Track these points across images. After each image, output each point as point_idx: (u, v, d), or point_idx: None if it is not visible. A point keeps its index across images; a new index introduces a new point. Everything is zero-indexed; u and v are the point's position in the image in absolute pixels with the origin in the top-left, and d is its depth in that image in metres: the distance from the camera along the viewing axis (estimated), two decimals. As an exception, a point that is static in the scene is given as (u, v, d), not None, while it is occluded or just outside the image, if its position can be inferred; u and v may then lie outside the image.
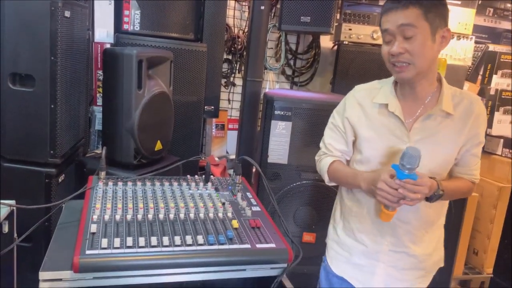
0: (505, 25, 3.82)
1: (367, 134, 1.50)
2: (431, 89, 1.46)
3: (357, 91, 1.59)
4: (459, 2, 3.34)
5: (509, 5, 3.78)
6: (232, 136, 3.54)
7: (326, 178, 1.62)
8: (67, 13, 1.80)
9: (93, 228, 1.09)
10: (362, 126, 1.52)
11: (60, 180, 1.92)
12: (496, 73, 3.49)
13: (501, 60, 3.47)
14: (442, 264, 1.64)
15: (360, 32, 3.16)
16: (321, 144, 1.68)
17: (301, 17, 2.78)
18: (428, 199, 1.38)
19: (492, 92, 3.47)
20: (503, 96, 3.42)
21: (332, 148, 1.61)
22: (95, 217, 1.15)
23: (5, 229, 1.38)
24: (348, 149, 1.60)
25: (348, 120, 1.56)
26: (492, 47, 3.76)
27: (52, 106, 1.79)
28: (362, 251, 1.55)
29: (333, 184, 1.63)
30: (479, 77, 3.68)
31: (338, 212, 1.68)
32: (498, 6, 3.76)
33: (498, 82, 3.50)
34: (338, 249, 1.63)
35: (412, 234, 1.51)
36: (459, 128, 1.44)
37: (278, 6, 3.07)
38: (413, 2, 1.32)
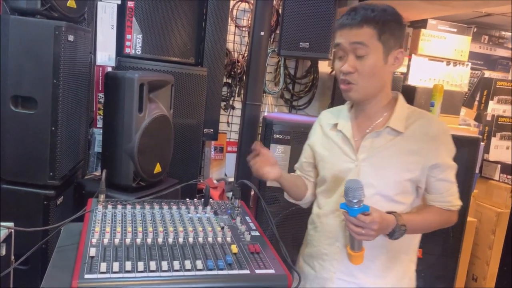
0: (500, 52, 3.88)
1: (321, 153, 1.53)
2: (383, 110, 1.43)
3: (323, 114, 1.63)
4: (455, 30, 3.41)
5: (503, 32, 3.85)
6: (230, 159, 3.55)
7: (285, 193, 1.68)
8: (71, 37, 1.84)
9: (92, 252, 1.08)
10: (319, 146, 1.55)
11: (58, 202, 1.92)
12: (492, 99, 3.54)
13: (497, 86, 3.53)
14: None
15: (358, 58, 3.21)
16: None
17: (300, 43, 2.83)
18: (389, 235, 1.30)
19: (488, 118, 3.51)
20: (499, 122, 3.46)
21: (297, 165, 1.71)
22: (94, 240, 1.15)
23: (3, 251, 1.37)
24: (306, 167, 1.65)
25: (309, 145, 1.61)
26: (487, 74, 3.82)
27: (53, 128, 1.80)
28: (313, 277, 1.51)
29: (291, 200, 1.70)
30: (476, 103, 3.73)
31: (305, 237, 1.65)
32: (493, 34, 3.84)
33: (494, 108, 3.54)
34: (302, 275, 1.55)
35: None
36: (412, 148, 1.37)
37: (278, 31, 3.13)
38: (368, 21, 1.30)
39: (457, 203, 1.44)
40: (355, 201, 1.20)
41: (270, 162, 1.48)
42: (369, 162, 1.39)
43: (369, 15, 1.31)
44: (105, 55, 2.65)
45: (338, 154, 1.46)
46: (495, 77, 3.67)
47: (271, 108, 3.68)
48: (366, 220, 1.20)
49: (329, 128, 1.53)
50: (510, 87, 3.56)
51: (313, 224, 1.56)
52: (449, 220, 1.46)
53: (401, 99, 1.46)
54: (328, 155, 1.50)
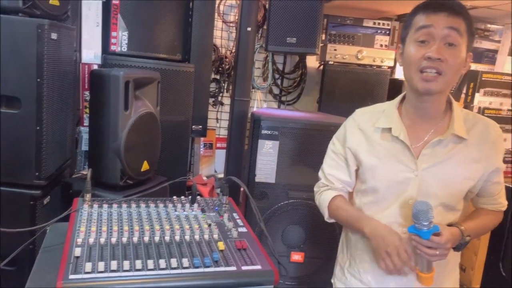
0: (486, 44, 3.92)
1: (370, 162, 1.37)
2: (443, 113, 1.33)
3: (358, 115, 1.46)
4: (441, 23, 3.42)
5: (489, 25, 3.88)
6: (220, 155, 3.55)
7: (325, 215, 1.48)
8: (54, 35, 1.81)
9: (77, 252, 1.08)
10: (364, 153, 1.39)
11: (45, 202, 1.90)
12: (478, 91, 3.57)
13: (483, 78, 3.55)
14: None
15: (345, 53, 3.22)
16: (320, 174, 1.54)
17: (287, 38, 2.83)
18: (455, 248, 1.29)
19: (475, 110, 3.54)
20: (485, 114, 3.49)
21: (333, 179, 1.48)
22: (79, 240, 1.14)
23: (-12, 253, 1.36)
24: (351, 180, 1.46)
25: (350, 149, 1.43)
26: (474, 66, 3.85)
27: (38, 128, 1.78)
28: None
29: (332, 220, 1.49)
30: (462, 95, 3.76)
31: (344, 248, 1.54)
32: (479, 27, 3.87)
33: (480, 100, 3.57)
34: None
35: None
36: (474, 155, 1.30)
37: (265, 27, 3.12)
38: (463, 12, 1.22)
39: (505, 203, 1.43)
40: (425, 223, 1.18)
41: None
42: (431, 171, 1.30)
43: (462, 7, 1.23)
44: (91, 53, 2.63)
45: (393, 163, 1.33)
46: (481, 70, 3.70)
47: (260, 104, 3.68)
48: (441, 241, 1.18)
49: (377, 133, 1.37)
50: (496, 79, 3.59)
51: (364, 238, 1.39)
52: (499, 221, 1.44)
53: (454, 101, 1.37)
54: (380, 164, 1.35)
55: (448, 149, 1.30)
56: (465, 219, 1.37)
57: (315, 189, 1.57)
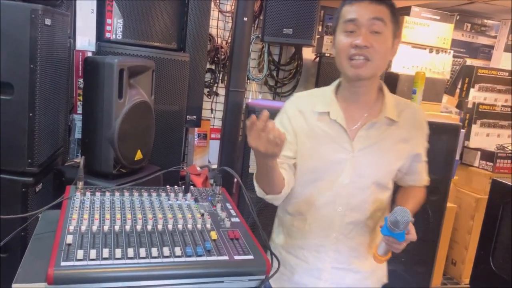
0: (482, 40, 3.92)
1: (308, 143, 1.42)
2: (375, 97, 1.43)
3: (297, 98, 1.52)
4: (438, 17, 3.42)
5: (486, 20, 3.88)
6: (214, 146, 3.54)
7: (257, 190, 1.45)
8: (48, 21, 1.79)
9: (69, 239, 1.07)
10: (303, 135, 1.44)
11: (37, 189, 1.89)
12: (473, 87, 3.58)
13: (478, 74, 3.57)
14: (385, 281, 1.58)
15: (342, 45, 3.21)
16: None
17: (284, 29, 2.82)
18: None
19: (469, 106, 3.56)
20: (480, 109, 3.51)
21: None
22: (71, 228, 1.13)
23: (-21, 239, 1.35)
24: (292, 155, 1.45)
25: (293, 127, 1.45)
26: (469, 62, 3.86)
27: (31, 114, 1.77)
28: (305, 269, 1.48)
29: (269, 196, 1.43)
30: (457, 91, 3.77)
31: (280, 227, 1.60)
32: (475, 22, 3.87)
33: (475, 95, 3.59)
34: (281, 268, 1.47)
35: (356, 250, 1.46)
36: (404, 136, 1.42)
37: (261, 17, 3.10)
38: (386, 1, 1.31)
39: (428, 178, 1.56)
40: (397, 231, 1.22)
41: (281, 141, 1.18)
42: (365, 152, 1.39)
43: None
44: (85, 39, 2.60)
45: (330, 144, 1.40)
46: (477, 65, 3.71)
47: (255, 95, 3.67)
48: (414, 237, 1.25)
49: (315, 116, 1.43)
50: (491, 75, 3.60)
51: (301, 216, 1.48)
52: (424, 195, 1.56)
53: (385, 87, 1.46)
54: (317, 146, 1.42)
55: (381, 131, 1.40)
56: (404, 202, 1.44)
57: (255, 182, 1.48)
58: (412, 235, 1.25)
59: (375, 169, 1.40)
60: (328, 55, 3.23)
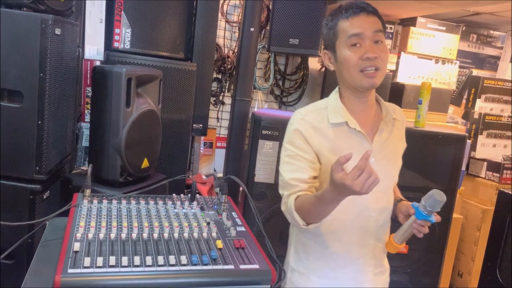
0: (488, 50, 3.93)
1: (334, 159, 1.24)
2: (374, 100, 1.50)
3: (304, 114, 1.44)
4: (444, 28, 3.43)
5: (492, 31, 3.89)
6: (220, 154, 3.55)
7: (300, 221, 1.34)
8: (58, 31, 1.82)
9: (76, 246, 1.08)
10: (326, 151, 1.39)
11: (45, 196, 1.91)
12: (479, 97, 3.58)
13: (484, 84, 3.56)
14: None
15: (348, 55, 3.22)
16: (280, 188, 1.45)
17: (290, 40, 2.84)
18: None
19: (476, 116, 3.55)
20: (486, 120, 3.50)
21: (296, 181, 1.38)
22: (78, 235, 1.14)
23: (-13, 246, 1.36)
24: (316, 174, 1.41)
25: (311, 146, 1.40)
26: (475, 72, 3.86)
27: (40, 122, 1.79)
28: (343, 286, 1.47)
29: (313, 225, 1.33)
30: (463, 101, 3.77)
31: (303, 254, 1.54)
32: (481, 33, 3.88)
33: (481, 106, 3.58)
34: None
35: (384, 250, 1.52)
36: (401, 134, 1.53)
37: (268, 28, 3.13)
38: (375, 12, 1.38)
39: None
40: (429, 209, 1.29)
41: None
42: (383, 155, 1.44)
43: (372, 6, 1.38)
44: (94, 49, 2.63)
45: (354, 154, 1.28)
46: (483, 76, 3.71)
47: (261, 104, 3.69)
48: (439, 219, 1.33)
49: (330, 129, 1.40)
50: (497, 86, 3.60)
51: (333, 234, 1.43)
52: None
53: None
54: None
55: (388, 133, 1.47)
56: (397, 193, 1.57)
57: (282, 208, 1.44)
58: (438, 216, 1.32)
59: (392, 169, 1.48)
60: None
